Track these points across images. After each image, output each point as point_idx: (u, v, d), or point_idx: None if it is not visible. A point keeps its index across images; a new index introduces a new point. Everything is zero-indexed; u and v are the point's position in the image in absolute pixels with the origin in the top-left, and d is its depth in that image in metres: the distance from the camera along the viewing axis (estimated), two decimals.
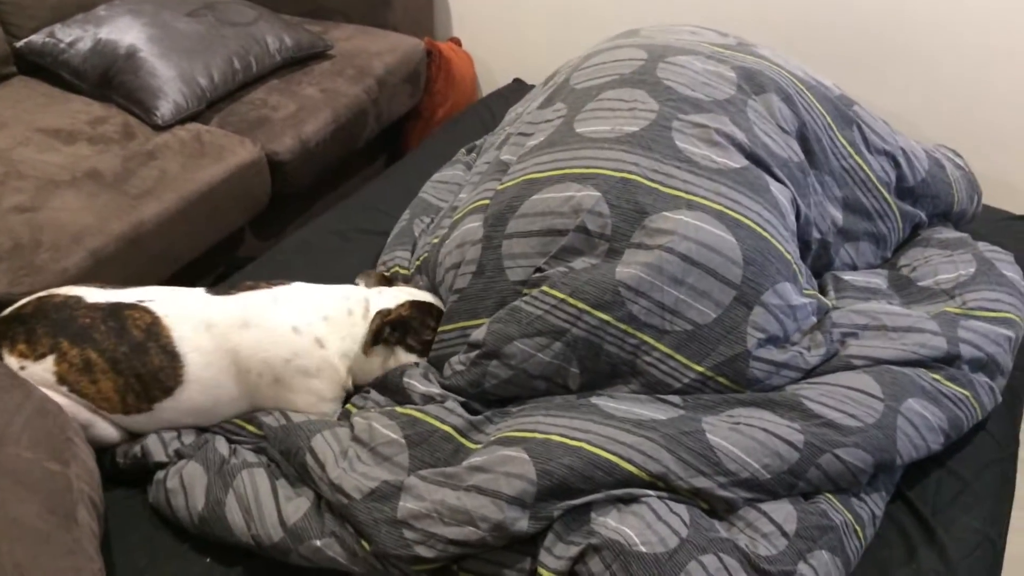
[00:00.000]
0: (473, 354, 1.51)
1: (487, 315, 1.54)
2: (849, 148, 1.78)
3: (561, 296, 1.45)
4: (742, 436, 1.34)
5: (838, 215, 1.76)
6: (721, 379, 1.45)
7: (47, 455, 1.26)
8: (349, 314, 1.56)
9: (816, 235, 1.72)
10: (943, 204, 1.93)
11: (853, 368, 1.48)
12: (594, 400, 1.44)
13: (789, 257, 1.52)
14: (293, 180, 2.52)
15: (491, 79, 3.36)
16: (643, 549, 1.21)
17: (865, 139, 1.81)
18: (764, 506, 1.32)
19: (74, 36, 2.45)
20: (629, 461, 1.30)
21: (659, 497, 1.29)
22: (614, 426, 1.35)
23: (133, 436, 1.55)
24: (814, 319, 1.56)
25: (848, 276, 1.74)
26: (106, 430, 1.51)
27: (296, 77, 2.70)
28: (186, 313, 1.51)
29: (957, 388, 1.50)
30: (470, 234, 1.61)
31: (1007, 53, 2.43)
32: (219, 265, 2.45)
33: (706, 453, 1.32)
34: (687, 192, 1.49)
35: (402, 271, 1.83)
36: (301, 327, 1.52)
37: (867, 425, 1.38)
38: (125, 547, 1.42)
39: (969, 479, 1.52)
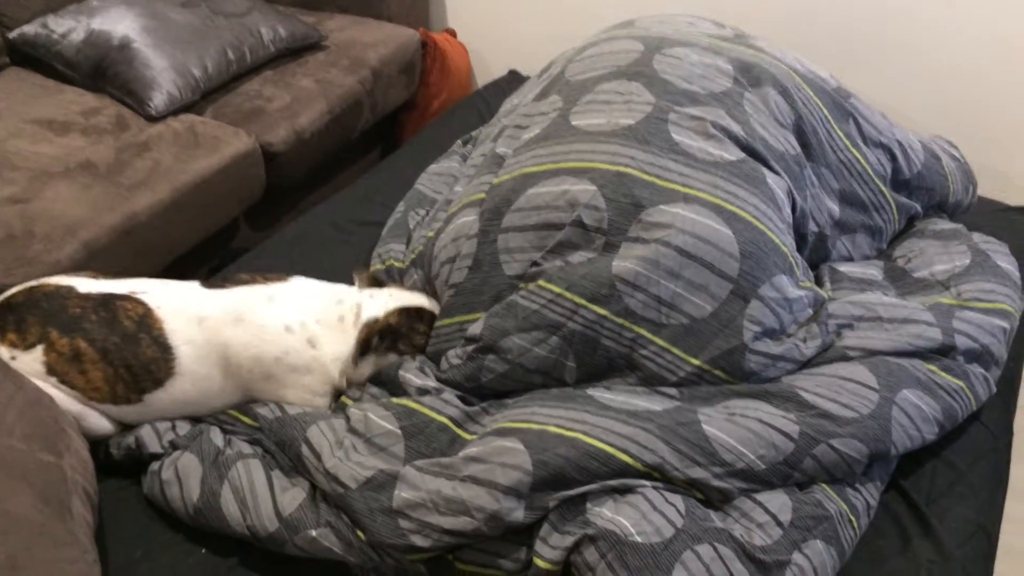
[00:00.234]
0: (470, 348, 1.51)
1: (483, 309, 1.54)
2: (846, 141, 1.78)
3: (558, 291, 1.44)
4: (737, 427, 1.35)
5: (835, 208, 1.76)
6: (718, 372, 1.45)
7: (40, 446, 1.26)
8: (340, 320, 1.56)
9: (813, 228, 1.72)
10: (938, 196, 1.93)
11: (849, 359, 1.49)
12: (590, 391, 1.44)
13: (785, 250, 1.52)
14: (288, 171, 2.52)
15: (486, 70, 3.35)
16: (639, 539, 1.21)
17: (861, 131, 1.81)
18: (759, 496, 1.32)
19: (67, 27, 2.43)
20: (625, 452, 1.30)
21: (655, 487, 1.30)
22: (610, 417, 1.35)
23: (126, 428, 1.55)
24: (810, 311, 1.56)
25: (844, 267, 1.75)
26: (98, 422, 1.51)
27: (290, 68, 2.69)
28: (179, 306, 1.51)
29: (952, 379, 1.50)
30: (465, 228, 1.61)
31: (1003, 44, 2.43)
32: (213, 257, 2.44)
33: (702, 444, 1.32)
34: (683, 185, 1.49)
35: (397, 264, 1.82)
36: (294, 327, 1.52)
37: (862, 415, 1.38)
38: (119, 538, 1.42)
39: (964, 469, 1.52)
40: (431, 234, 1.75)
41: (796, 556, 1.26)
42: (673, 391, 1.45)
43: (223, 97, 2.53)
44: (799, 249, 1.70)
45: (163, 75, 2.36)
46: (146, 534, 1.43)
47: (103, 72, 2.39)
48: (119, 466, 1.52)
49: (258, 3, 2.72)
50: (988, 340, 1.57)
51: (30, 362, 1.46)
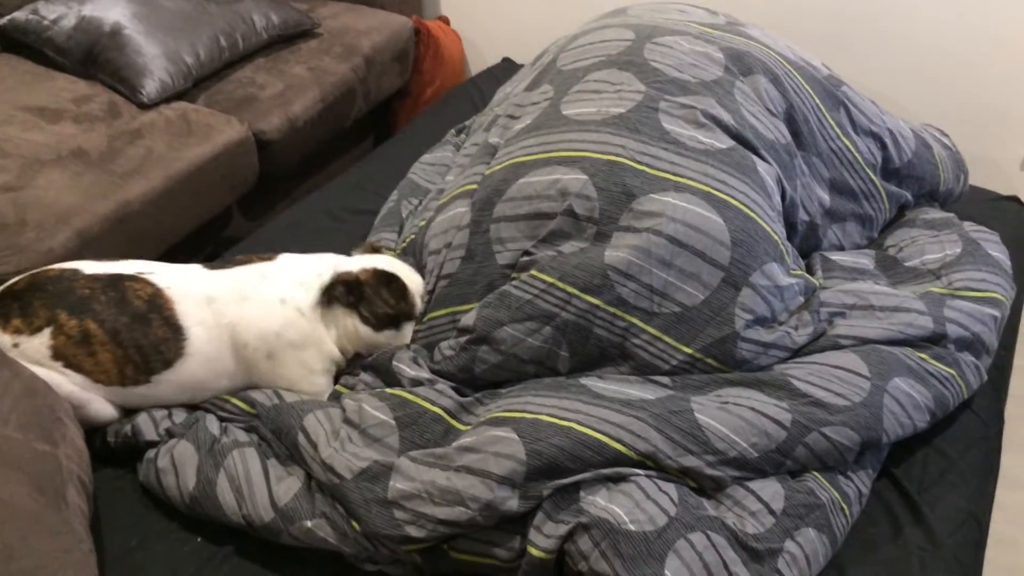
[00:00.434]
0: (463, 339, 1.51)
1: (476, 300, 1.54)
2: (837, 129, 1.78)
3: (550, 280, 1.45)
4: (730, 415, 1.35)
5: (825, 197, 1.77)
6: (710, 360, 1.45)
7: (36, 435, 1.26)
8: (318, 277, 1.57)
9: (804, 217, 1.72)
10: (929, 184, 1.93)
11: (840, 347, 1.49)
12: (583, 380, 1.44)
13: (776, 237, 1.52)
14: (281, 159, 2.51)
15: (480, 58, 3.35)
16: (632, 527, 1.22)
17: (852, 120, 1.81)
18: (752, 484, 1.33)
19: (58, 13, 2.42)
20: (618, 440, 1.30)
21: (648, 476, 1.30)
22: (603, 406, 1.35)
23: (127, 414, 1.55)
24: (801, 299, 1.57)
25: (836, 256, 1.75)
26: (102, 407, 1.50)
27: (283, 55, 2.68)
28: (188, 287, 1.52)
29: (943, 367, 1.51)
30: (457, 219, 1.61)
31: (996, 35, 2.43)
32: (207, 245, 2.44)
33: (694, 432, 1.33)
34: (674, 174, 1.49)
35: (389, 253, 1.83)
36: (287, 298, 1.54)
37: (854, 404, 1.39)
38: (115, 527, 1.42)
39: (955, 457, 1.53)
40: (423, 223, 1.75)
41: (788, 544, 1.27)
42: (666, 380, 1.45)
43: (216, 85, 2.52)
44: (789, 238, 1.70)
45: (155, 62, 2.35)
46: (142, 523, 1.43)
47: (94, 59, 2.38)
48: (115, 455, 1.52)
49: None
50: (979, 328, 1.57)
51: (36, 347, 1.45)
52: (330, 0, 3.03)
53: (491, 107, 2.05)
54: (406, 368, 1.53)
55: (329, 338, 1.58)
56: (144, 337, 1.47)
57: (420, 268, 1.69)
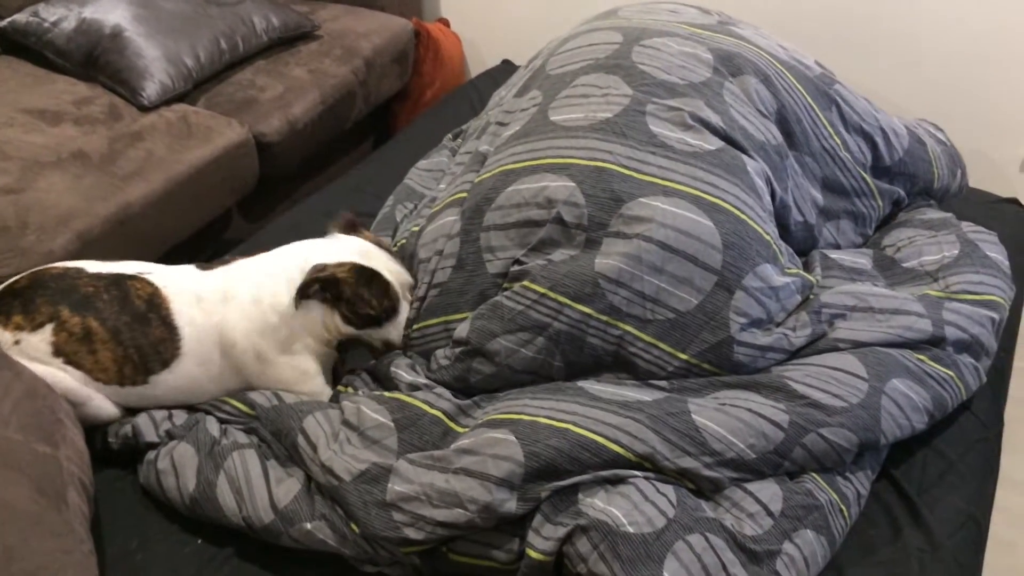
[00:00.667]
0: (457, 351, 1.51)
1: (468, 309, 1.54)
2: (829, 128, 1.78)
3: (542, 291, 1.45)
4: (727, 417, 1.35)
5: (819, 195, 1.77)
6: (706, 366, 1.45)
7: (37, 437, 1.26)
8: (287, 271, 1.52)
9: (797, 218, 1.72)
10: (922, 181, 1.93)
11: (838, 350, 1.49)
12: (580, 383, 1.45)
13: (768, 238, 1.52)
14: (281, 162, 2.52)
15: (479, 60, 3.35)
16: (630, 529, 1.22)
17: (844, 118, 1.81)
18: (750, 486, 1.33)
19: (58, 15, 2.43)
20: (616, 442, 1.30)
21: (646, 478, 1.30)
22: (601, 408, 1.35)
23: (128, 413, 1.55)
24: (798, 297, 1.57)
25: (835, 255, 1.75)
26: (102, 405, 1.51)
27: (283, 58, 2.69)
28: (180, 286, 1.52)
29: (941, 368, 1.51)
30: (447, 227, 1.61)
31: (995, 35, 2.44)
32: (207, 247, 2.44)
33: (692, 433, 1.33)
34: (663, 178, 1.49)
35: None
36: (262, 298, 1.51)
37: (852, 405, 1.39)
38: (116, 528, 1.42)
39: (954, 459, 1.53)
40: (415, 228, 1.75)
41: (787, 546, 1.27)
42: (663, 383, 1.45)
43: (216, 87, 2.53)
44: (784, 239, 1.69)
45: (155, 64, 2.36)
46: (142, 524, 1.44)
47: (95, 61, 2.39)
48: (115, 456, 1.52)
49: None
50: (978, 330, 1.57)
51: (37, 343, 1.46)
52: (330, 2, 3.04)
53: (486, 111, 2.05)
54: (404, 374, 1.53)
55: (312, 336, 1.54)
56: (144, 337, 1.48)
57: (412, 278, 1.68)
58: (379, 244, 1.59)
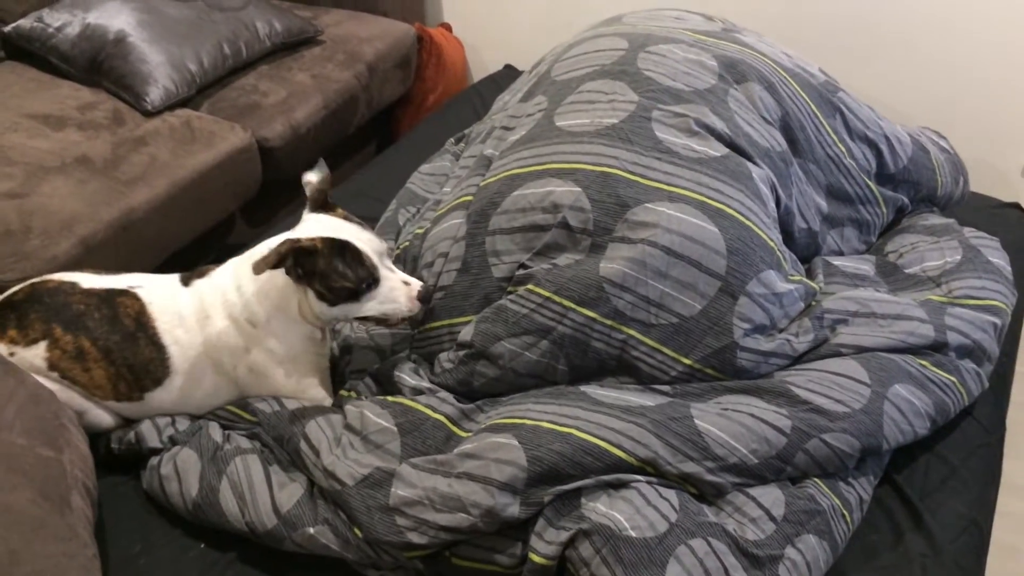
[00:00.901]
0: (461, 354, 1.51)
1: (473, 312, 1.54)
2: (833, 136, 1.79)
3: (546, 294, 1.45)
4: (730, 422, 1.36)
5: (823, 202, 1.77)
6: (709, 370, 1.45)
7: (41, 441, 1.27)
8: (253, 280, 1.48)
9: (801, 224, 1.72)
10: (926, 189, 1.94)
11: (841, 355, 1.49)
12: (583, 388, 1.45)
13: (772, 244, 1.53)
14: (284, 166, 2.52)
15: (482, 65, 3.36)
16: (633, 534, 1.22)
17: (848, 126, 1.82)
18: (752, 491, 1.33)
19: (62, 21, 2.43)
20: (618, 447, 1.31)
21: (648, 482, 1.30)
22: (603, 412, 1.36)
23: (127, 422, 1.55)
24: (801, 304, 1.57)
25: (837, 262, 1.75)
26: (99, 417, 1.52)
27: (286, 63, 2.69)
28: (164, 304, 1.50)
29: (944, 374, 1.51)
30: (453, 230, 1.61)
31: (997, 41, 2.44)
32: (210, 252, 2.44)
33: (694, 438, 1.33)
34: (668, 184, 1.49)
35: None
36: (237, 315, 1.48)
37: (854, 410, 1.39)
38: (119, 533, 1.43)
39: (956, 464, 1.53)
40: (419, 230, 1.75)
41: (789, 550, 1.27)
42: (666, 388, 1.45)
43: (219, 92, 2.53)
44: (788, 245, 1.70)
45: (159, 70, 2.37)
46: (145, 529, 1.44)
47: (99, 66, 2.39)
48: (119, 461, 1.53)
49: None
50: (980, 336, 1.57)
51: (31, 358, 1.46)
52: (333, 8, 3.04)
53: (489, 116, 2.05)
54: (407, 378, 1.53)
55: (296, 332, 1.51)
56: (133, 356, 1.47)
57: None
58: (347, 219, 1.49)
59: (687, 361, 1.44)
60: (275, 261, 1.35)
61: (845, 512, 1.36)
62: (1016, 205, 2.21)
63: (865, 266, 1.76)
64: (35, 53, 2.48)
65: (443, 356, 1.55)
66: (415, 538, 1.28)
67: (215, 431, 1.50)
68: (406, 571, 1.34)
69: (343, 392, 1.59)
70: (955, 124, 2.47)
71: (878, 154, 1.85)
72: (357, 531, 1.31)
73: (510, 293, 1.51)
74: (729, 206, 1.49)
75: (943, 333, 1.54)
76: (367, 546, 1.32)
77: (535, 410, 1.38)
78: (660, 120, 1.58)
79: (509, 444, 1.31)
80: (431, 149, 2.27)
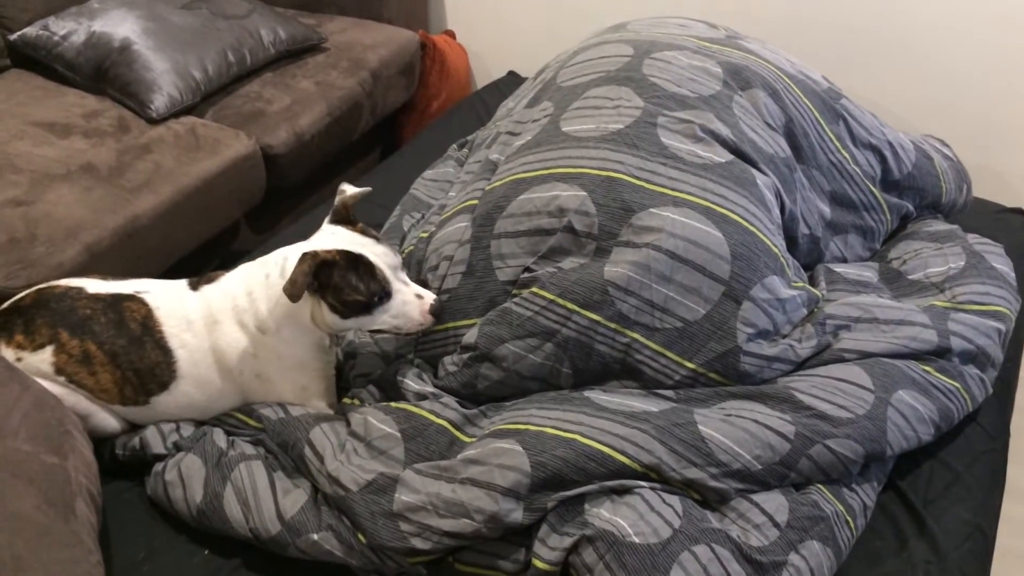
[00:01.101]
0: (465, 356, 1.52)
1: (477, 315, 1.55)
2: (836, 142, 1.79)
3: (551, 297, 1.45)
4: (733, 427, 1.36)
5: (826, 209, 1.77)
6: (713, 375, 1.46)
7: (45, 448, 1.27)
8: (266, 278, 1.48)
9: (804, 230, 1.72)
10: (931, 196, 1.94)
11: (844, 361, 1.49)
12: (587, 393, 1.45)
13: (776, 250, 1.53)
14: (288, 173, 2.53)
15: (485, 72, 3.36)
16: (636, 540, 1.22)
17: (851, 133, 1.82)
18: (756, 497, 1.33)
19: (68, 29, 2.45)
20: (622, 452, 1.31)
21: (652, 488, 1.31)
22: (607, 418, 1.36)
23: (133, 427, 1.56)
24: (804, 311, 1.57)
25: (840, 268, 1.76)
26: (106, 420, 1.52)
27: (290, 70, 2.70)
28: (172, 308, 1.51)
29: (947, 380, 1.51)
30: (458, 234, 1.62)
31: (999, 46, 2.44)
32: (214, 259, 2.45)
33: (698, 444, 1.33)
34: (673, 189, 1.50)
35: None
36: (246, 321, 1.49)
37: (858, 416, 1.39)
38: (123, 539, 1.43)
39: (961, 470, 1.53)
40: (424, 234, 1.76)
41: (793, 557, 1.27)
42: (669, 393, 1.46)
43: (223, 99, 2.54)
44: (791, 251, 1.70)
45: (164, 77, 2.38)
46: (149, 535, 1.44)
47: (104, 74, 2.41)
48: (123, 467, 1.53)
49: (258, 5, 2.73)
50: (983, 342, 1.57)
51: (38, 363, 1.47)
52: (337, 15, 3.05)
53: (493, 122, 2.06)
54: (411, 383, 1.54)
55: (305, 339, 1.51)
56: (140, 360, 1.48)
57: (416, 281, 1.67)
58: (364, 232, 1.48)
59: (691, 365, 1.45)
60: (305, 282, 1.35)
61: (849, 518, 1.36)
62: (1019, 210, 2.21)
63: (868, 272, 1.76)
64: (41, 61, 2.50)
65: (447, 359, 1.56)
66: (419, 544, 1.28)
67: (219, 437, 1.50)
68: None
69: (346, 400, 1.59)
70: (958, 130, 2.46)
71: (882, 160, 1.85)
72: (361, 537, 1.31)
73: (515, 296, 1.51)
74: (733, 211, 1.50)
75: (947, 338, 1.54)
76: (371, 552, 1.32)
77: (539, 415, 1.38)
78: (665, 126, 1.59)
79: (513, 450, 1.31)
80: (435, 155, 2.27)
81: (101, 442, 1.52)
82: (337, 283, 1.40)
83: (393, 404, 1.49)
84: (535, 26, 3.16)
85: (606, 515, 1.26)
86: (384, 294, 1.42)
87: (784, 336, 1.53)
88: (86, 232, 1.98)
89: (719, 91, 1.67)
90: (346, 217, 1.50)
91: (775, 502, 1.33)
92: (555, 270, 1.49)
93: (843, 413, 1.39)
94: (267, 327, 1.48)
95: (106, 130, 2.30)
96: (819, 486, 1.37)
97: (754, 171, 1.60)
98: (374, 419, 1.43)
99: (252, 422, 1.52)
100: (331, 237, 1.46)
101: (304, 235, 2.05)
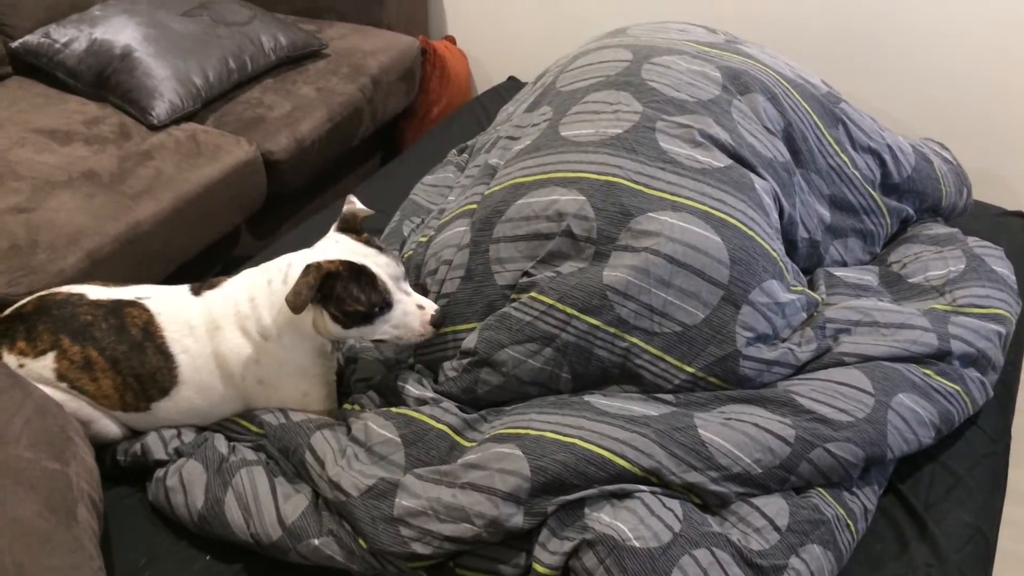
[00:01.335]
0: (465, 361, 1.52)
1: (476, 319, 1.55)
2: (835, 146, 1.79)
3: (550, 302, 1.46)
4: (733, 431, 1.36)
5: (826, 213, 1.78)
6: (712, 379, 1.46)
7: (47, 454, 1.27)
8: (269, 284, 1.48)
9: (803, 234, 1.73)
10: (931, 199, 1.94)
11: (844, 364, 1.49)
12: (587, 398, 1.45)
13: (775, 254, 1.53)
14: (289, 179, 2.53)
15: (485, 77, 3.37)
16: (636, 544, 1.22)
17: (851, 136, 1.82)
18: (756, 501, 1.33)
19: (69, 36, 2.46)
20: (622, 456, 1.31)
21: (652, 492, 1.31)
22: (607, 422, 1.36)
23: (134, 433, 1.56)
24: (804, 315, 1.57)
25: (839, 272, 1.76)
26: (107, 426, 1.52)
27: (291, 76, 2.71)
28: (173, 313, 1.51)
29: (948, 383, 1.51)
30: (457, 238, 1.62)
31: (999, 49, 2.44)
32: (216, 264, 2.46)
33: (698, 448, 1.33)
34: (672, 193, 1.50)
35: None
36: (249, 328, 1.49)
37: (858, 420, 1.39)
38: (125, 545, 1.43)
39: (962, 473, 1.53)
40: (423, 238, 1.76)
41: (793, 560, 1.27)
42: (669, 397, 1.46)
43: (224, 105, 2.55)
44: (790, 255, 1.70)
45: (165, 84, 2.38)
46: (151, 541, 1.44)
47: (105, 81, 2.41)
48: (125, 473, 1.53)
49: (259, 12, 2.74)
50: (984, 344, 1.57)
51: (39, 369, 1.47)
52: (337, 21, 3.06)
53: (493, 127, 2.06)
54: (411, 388, 1.54)
55: (307, 346, 1.51)
56: (141, 366, 1.48)
57: (419, 288, 1.67)
58: (368, 243, 1.48)
59: (690, 369, 1.45)
60: (310, 295, 1.35)
61: (849, 522, 1.36)
62: (1019, 214, 2.21)
63: (868, 276, 1.76)
64: (42, 68, 2.51)
65: (447, 364, 1.56)
66: (419, 548, 1.28)
67: (220, 443, 1.51)
68: None
69: (347, 405, 1.59)
70: (957, 133, 2.47)
71: (882, 164, 1.86)
72: (362, 542, 1.32)
73: (514, 301, 1.52)
74: (732, 216, 1.50)
75: (947, 342, 1.54)
76: (372, 557, 1.32)
77: (539, 420, 1.38)
78: (664, 131, 1.59)
79: (513, 454, 1.31)
80: (435, 161, 2.28)
81: (103, 448, 1.52)
82: (339, 294, 1.40)
83: (393, 409, 1.49)
84: (535, 31, 3.17)
85: (606, 519, 1.26)
86: (385, 304, 1.43)
87: (784, 340, 1.53)
88: (88, 239, 1.99)
89: (718, 96, 1.68)
90: (353, 227, 1.51)
91: (775, 506, 1.33)
92: (554, 275, 1.49)
93: (843, 416, 1.39)
94: (269, 333, 1.48)
95: (107, 137, 2.31)
96: (820, 490, 1.37)
97: (753, 175, 1.60)
98: (374, 424, 1.43)
99: (253, 428, 1.53)
100: (335, 246, 1.46)
101: (305, 241, 2.07)
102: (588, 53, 1.83)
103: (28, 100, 2.44)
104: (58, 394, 1.46)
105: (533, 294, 1.48)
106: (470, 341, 1.51)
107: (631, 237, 1.46)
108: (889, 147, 1.86)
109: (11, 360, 1.48)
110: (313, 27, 2.94)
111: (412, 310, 1.46)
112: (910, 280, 1.75)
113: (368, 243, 1.48)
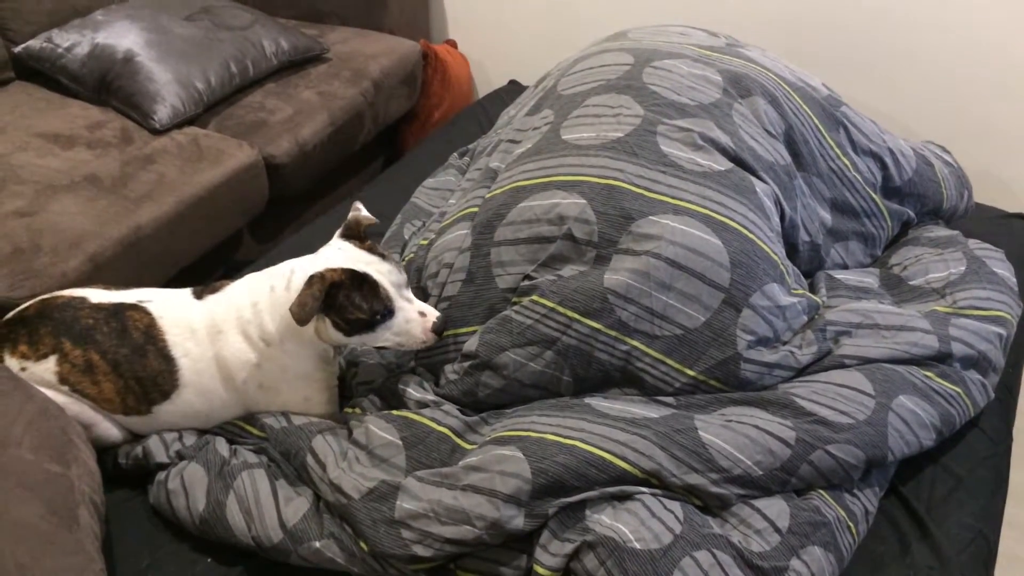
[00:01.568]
0: (466, 364, 1.52)
1: (477, 323, 1.55)
2: (836, 150, 1.79)
3: (551, 305, 1.46)
4: (734, 433, 1.36)
5: (827, 216, 1.78)
6: (713, 382, 1.46)
7: (49, 457, 1.28)
8: (272, 290, 1.48)
9: (805, 237, 1.73)
10: (932, 202, 1.94)
11: (845, 367, 1.49)
12: (587, 400, 1.45)
13: (776, 258, 1.53)
14: (290, 183, 2.54)
15: (487, 81, 3.38)
16: (637, 546, 1.22)
17: (852, 140, 1.83)
18: (757, 503, 1.33)
19: (72, 41, 2.46)
20: (623, 458, 1.31)
21: (653, 494, 1.31)
22: (608, 424, 1.36)
23: (136, 436, 1.56)
24: (804, 318, 1.57)
25: (840, 275, 1.76)
26: (109, 430, 1.53)
27: (292, 80, 2.71)
28: (175, 317, 1.51)
29: (949, 385, 1.51)
30: (458, 241, 1.62)
31: (999, 51, 2.44)
32: (217, 268, 2.46)
33: (698, 450, 1.33)
34: (673, 197, 1.50)
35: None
36: (251, 332, 1.49)
37: (858, 422, 1.39)
38: (126, 548, 1.43)
39: (963, 475, 1.53)
40: (424, 241, 1.76)
41: (794, 562, 1.27)
42: (670, 399, 1.46)
43: (226, 110, 2.55)
44: (791, 258, 1.71)
45: (167, 88, 2.39)
46: (152, 544, 1.45)
47: (108, 86, 2.42)
48: (126, 476, 1.53)
49: (260, 16, 2.75)
50: (985, 347, 1.57)
51: (41, 372, 1.47)
52: (339, 25, 3.07)
53: (495, 130, 2.07)
54: (412, 391, 1.54)
55: (308, 353, 1.51)
56: (142, 369, 1.48)
57: (420, 291, 1.68)
58: (371, 250, 1.48)
59: (691, 372, 1.45)
60: (315, 306, 1.35)
61: (850, 524, 1.36)
62: (1020, 216, 2.21)
63: (868, 279, 1.76)
64: (45, 73, 2.51)
65: (448, 367, 1.56)
66: (420, 551, 1.28)
67: (222, 446, 1.51)
68: None
69: (348, 408, 1.59)
70: (958, 136, 2.47)
71: (883, 167, 1.86)
72: (363, 544, 1.32)
73: (515, 304, 1.52)
74: (733, 219, 1.50)
75: (947, 344, 1.54)
76: (373, 559, 1.32)
77: (540, 422, 1.38)
78: (665, 134, 1.59)
79: (514, 456, 1.31)
80: (437, 164, 2.28)
81: (104, 451, 1.53)
82: (342, 302, 1.41)
83: (394, 412, 1.49)
84: (536, 35, 3.17)
85: (607, 521, 1.26)
86: (387, 312, 1.43)
87: (784, 343, 1.53)
88: (90, 242, 1.99)
89: (719, 99, 1.68)
90: (356, 233, 1.51)
91: (776, 508, 1.33)
92: (555, 278, 1.49)
93: (844, 418, 1.39)
94: (271, 339, 1.48)
95: (110, 141, 2.32)
96: (820, 491, 1.37)
97: (753, 179, 1.60)
98: (375, 427, 1.43)
99: (255, 431, 1.53)
100: (338, 253, 1.47)
101: (307, 245, 2.07)
102: (589, 57, 1.84)
103: (31, 104, 2.45)
104: (60, 397, 1.47)
105: (534, 297, 1.48)
106: (471, 344, 1.52)
107: (632, 240, 1.47)
108: (890, 150, 1.87)
109: (13, 363, 1.48)
110: (315, 31, 2.94)
111: (414, 317, 1.46)
112: (911, 282, 1.75)
113: (371, 250, 1.48)
